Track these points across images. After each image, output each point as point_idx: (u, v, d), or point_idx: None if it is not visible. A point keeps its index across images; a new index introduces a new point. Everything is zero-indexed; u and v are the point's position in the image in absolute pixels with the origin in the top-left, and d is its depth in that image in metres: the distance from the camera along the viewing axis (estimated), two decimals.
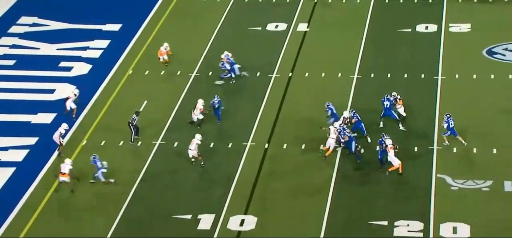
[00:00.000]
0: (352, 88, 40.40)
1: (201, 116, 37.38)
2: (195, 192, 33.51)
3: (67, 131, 36.41)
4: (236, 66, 41.19)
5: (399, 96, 37.32)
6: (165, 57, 42.48)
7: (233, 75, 41.06)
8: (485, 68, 41.67)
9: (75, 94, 38.90)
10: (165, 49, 42.58)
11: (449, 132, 35.35)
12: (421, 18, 46.88)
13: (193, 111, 37.48)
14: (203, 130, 37.19)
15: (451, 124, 35.28)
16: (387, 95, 37.11)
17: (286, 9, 48.52)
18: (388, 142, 33.87)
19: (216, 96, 38.04)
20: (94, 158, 33.78)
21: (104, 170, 33.63)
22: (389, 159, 33.82)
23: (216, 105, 37.73)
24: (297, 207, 32.44)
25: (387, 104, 36.93)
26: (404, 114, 37.24)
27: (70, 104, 38.56)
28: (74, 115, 38.42)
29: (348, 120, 36.05)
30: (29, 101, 40.36)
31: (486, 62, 42.32)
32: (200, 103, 37.55)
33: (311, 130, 36.77)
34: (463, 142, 35.34)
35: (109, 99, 40.33)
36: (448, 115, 35.48)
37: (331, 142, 34.93)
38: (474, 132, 36.35)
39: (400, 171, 33.73)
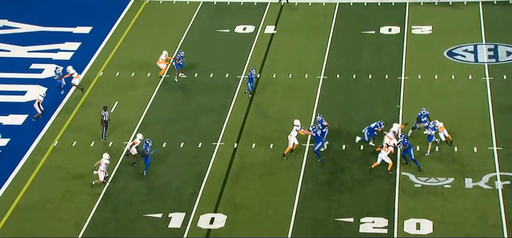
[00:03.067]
0: (319, 88, 40.63)
1: (135, 151, 34.89)
2: (166, 191, 33.45)
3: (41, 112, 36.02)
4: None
5: (441, 124, 35.40)
6: (163, 65, 41.67)
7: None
8: (446, 69, 42.17)
9: (42, 96, 38.46)
10: (166, 56, 41.99)
11: (432, 133, 34.98)
12: (384, 21, 47.30)
13: (129, 146, 35.20)
14: (173, 129, 37.14)
15: (432, 132, 34.80)
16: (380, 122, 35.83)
17: (253, 12, 48.65)
18: (386, 140, 33.87)
19: (148, 140, 34.41)
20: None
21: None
22: (382, 157, 33.72)
23: (148, 150, 34.04)
24: (265, 205, 32.53)
25: (373, 125, 35.72)
26: (445, 139, 35.50)
27: (38, 106, 38.12)
28: (40, 117, 37.94)
29: (397, 133, 35.21)
30: (0, 103, 39.95)
31: (447, 63, 42.83)
32: (138, 137, 34.96)
33: (279, 129, 36.90)
34: (428, 151, 35.09)
35: (80, 101, 40.08)
36: (434, 123, 34.98)
37: (383, 156, 34.04)
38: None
39: (389, 169, 33.76)
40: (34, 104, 38.28)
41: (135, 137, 35.18)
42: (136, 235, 31.11)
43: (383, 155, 33.87)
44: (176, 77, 41.17)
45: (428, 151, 35.17)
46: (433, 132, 35.08)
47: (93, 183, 33.49)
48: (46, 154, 35.90)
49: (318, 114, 36.40)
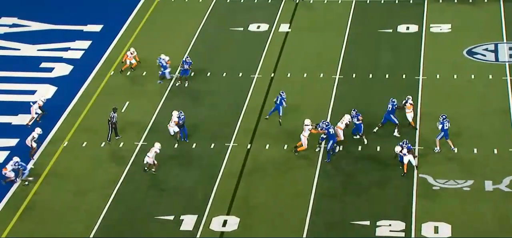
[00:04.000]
0: (334, 88, 40.47)
1: (176, 129, 36.53)
2: (178, 193, 33.41)
3: (40, 136, 35.93)
4: (167, 70, 41.09)
5: (411, 101, 36.88)
6: (133, 61, 41.97)
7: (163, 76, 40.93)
8: (465, 69, 41.89)
9: (43, 101, 38.50)
10: (132, 54, 42.18)
11: (442, 133, 35.17)
12: (402, 19, 47.06)
13: (169, 124, 36.69)
14: (187, 130, 37.07)
15: (446, 126, 35.11)
16: (391, 99, 36.65)
17: (268, 10, 48.54)
18: (397, 149, 33.69)
19: (180, 111, 36.81)
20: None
21: (26, 172, 33.89)
22: (408, 160, 33.67)
23: (181, 122, 36.51)
24: (279, 207, 32.43)
25: (389, 108, 36.55)
26: (411, 121, 36.70)
27: (36, 110, 38.03)
28: (38, 119, 37.94)
29: (348, 123, 35.75)
30: (9, 102, 40.09)
31: (467, 63, 42.54)
32: (175, 115, 36.54)
33: (293, 130, 36.77)
34: (452, 146, 35.22)
35: (90, 101, 40.13)
36: (444, 117, 35.37)
37: (302, 139, 34.71)
38: (455, 131, 36.47)
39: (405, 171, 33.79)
40: (31, 107, 38.02)
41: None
42: (147, 237, 31.06)
43: (410, 158, 33.53)
44: (179, 81, 40.80)
45: (437, 147, 35.04)
46: (440, 126, 34.90)
47: (147, 168, 34.03)
48: (55, 154, 35.94)
49: (353, 109, 36.09)
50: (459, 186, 33.28)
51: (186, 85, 40.73)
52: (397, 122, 36.62)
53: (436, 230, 31.04)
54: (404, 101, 37.00)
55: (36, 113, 38.12)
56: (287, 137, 36.53)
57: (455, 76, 41.25)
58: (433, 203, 32.38)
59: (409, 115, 36.86)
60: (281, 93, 37.68)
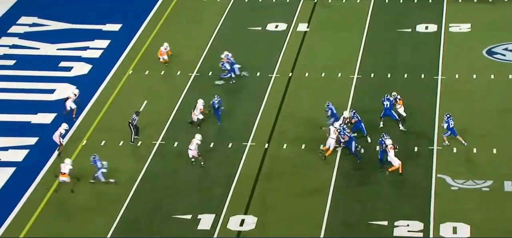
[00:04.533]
0: (352, 88, 40.40)
1: (201, 117, 37.38)
2: (195, 192, 33.49)
3: (67, 131, 36.34)
4: (236, 66, 41.17)
5: (399, 97, 37.33)
6: (165, 57, 42.46)
7: (233, 75, 41.04)
8: (485, 68, 41.65)
9: (75, 94, 38.90)
10: (165, 49, 42.56)
11: (449, 132, 35.33)
12: (421, 18, 46.86)
13: (193, 111, 37.49)
14: (203, 130, 37.18)
15: (451, 124, 35.26)
16: (387, 96, 37.13)
17: (286, 9, 48.52)
18: (388, 142, 33.85)
19: (216, 96, 38.02)
20: (94, 158, 33.72)
21: (104, 170, 33.58)
22: (389, 159, 33.82)
23: (216, 106, 37.74)
24: (297, 207, 32.42)
25: (387, 104, 36.93)
26: (404, 114, 37.23)
27: (70, 104, 38.56)
28: (74, 116, 38.41)
29: (348, 120, 36.04)
30: (29, 101, 40.35)
31: (486, 62, 42.30)
32: (200, 103, 37.56)
33: (311, 130, 36.76)
34: (463, 141, 35.33)
35: (109, 99, 40.31)
36: (448, 115, 35.48)
37: (331, 142, 34.93)
38: (474, 131, 36.33)
39: (400, 171, 33.71)
40: (65, 102, 38.50)
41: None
42: (166, 236, 31.15)
43: (391, 156, 33.45)
44: (220, 81, 40.81)
45: (445, 142, 35.05)
46: (446, 125, 34.94)
47: (197, 162, 34.41)
48: (74, 153, 36.12)
49: (352, 110, 36.15)
50: (478, 187, 33.11)
51: (232, 82, 40.79)
52: (397, 117, 36.68)
53: (454, 230, 30.90)
54: (392, 99, 36.94)
55: (70, 107, 38.38)
56: (304, 137, 36.49)
57: (474, 76, 41.03)
58: (452, 204, 32.23)
59: (401, 110, 36.94)
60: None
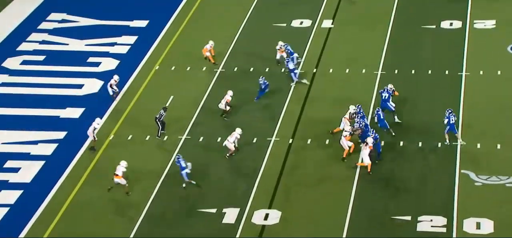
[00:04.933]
0: (376, 84, 40.23)
1: (227, 108, 37.22)
2: (220, 186, 33.57)
3: (100, 125, 36.44)
4: (295, 55, 41.07)
5: (394, 89, 37.22)
6: (208, 54, 42.17)
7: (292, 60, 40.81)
8: (510, 65, 41.26)
9: (116, 80, 39.49)
10: (211, 46, 42.36)
11: (449, 127, 34.99)
12: (445, 15, 46.54)
13: (221, 102, 37.47)
14: (228, 123, 37.24)
15: (452, 120, 34.90)
16: (386, 87, 37.06)
17: (311, 6, 48.42)
18: (370, 140, 33.58)
19: (262, 77, 38.54)
20: (178, 158, 33.18)
21: (188, 171, 32.98)
22: (362, 154, 33.53)
23: (263, 86, 38.24)
24: (320, 202, 32.39)
25: (385, 96, 36.76)
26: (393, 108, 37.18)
27: (111, 89, 39.16)
28: (115, 97, 39.20)
29: (353, 115, 35.80)
30: (58, 96, 40.65)
31: (511, 59, 41.91)
32: (229, 94, 37.52)
33: (335, 125, 36.67)
34: (460, 140, 34.91)
35: (136, 95, 40.52)
36: (450, 111, 35.18)
37: (364, 153, 34.06)
38: (498, 128, 36.04)
39: (369, 170, 33.50)
40: (107, 85, 39.40)
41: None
42: (190, 230, 31.31)
43: (364, 153, 33.44)
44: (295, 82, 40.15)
45: (447, 140, 34.85)
46: (446, 120, 34.75)
47: (228, 155, 34.63)
48: (102, 148, 36.34)
49: (357, 105, 35.98)
50: (501, 182, 32.85)
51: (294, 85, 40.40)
52: (393, 109, 36.64)
53: (478, 226, 30.70)
54: (391, 91, 37.00)
55: (113, 92, 39.00)
56: (328, 132, 36.41)
57: (499, 73, 40.69)
58: (475, 199, 32.02)
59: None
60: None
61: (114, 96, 39.43)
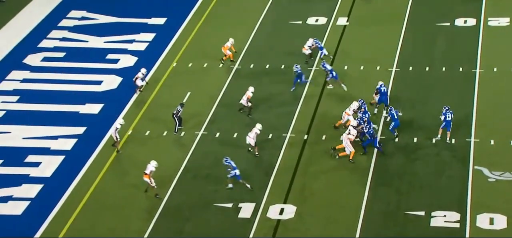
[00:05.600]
0: (391, 80, 40.03)
1: (247, 104, 37.09)
2: (236, 181, 33.50)
3: (122, 126, 36.35)
4: (324, 50, 41.36)
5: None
6: (229, 52, 42.03)
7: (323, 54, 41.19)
8: None
9: (143, 73, 39.72)
10: (231, 44, 42.19)
11: (444, 123, 34.75)
12: (460, 12, 46.24)
13: (243, 98, 37.40)
14: (244, 119, 37.19)
15: (448, 117, 34.71)
16: (382, 83, 37.16)
17: (326, 4, 48.25)
18: (354, 132, 33.65)
19: (296, 65, 39.01)
20: (226, 159, 32.81)
21: (237, 171, 32.48)
22: (344, 143, 33.75)
23: (299, 72, 38.79)
24: (335, 197, 32.28)
25: (384, 90, 36.76)
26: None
27: (139, 82, 39.37)
28: (142, 90, 39.39)
29: (357, 109, 35.60)
30: (77, 92, 40.75)
31: None
32: (250, 90, 37.44)
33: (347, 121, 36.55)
34: (448, 139, 34.70)
35: (154, 91, 40.54)
36: (447, 108, 35.03)
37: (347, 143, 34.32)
38: (511, 124, 35.80)
39: (351, 158, 33.78)
40: (135, 81, 39.72)
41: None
42: (207, 224, 31.29)
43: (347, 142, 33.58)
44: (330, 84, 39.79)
45: (439, 135, 34.74)
46: (442, 116, 34.61)
47: (253, 151, 34.33)
48: (120, 143, 36.38)
49: (360, 100, 35.86)
50: None
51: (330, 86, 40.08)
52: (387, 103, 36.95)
53: (491, 221, 30.48)
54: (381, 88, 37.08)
55: (140, 84, 39.31)
56: (344, 128, 36.26)
57: None
58: (489, 195, 31.79)
59: (377, 98, 37.19)
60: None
61: (141, 90, 39.52)
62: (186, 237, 30.87)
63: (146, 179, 32.51)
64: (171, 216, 31.84)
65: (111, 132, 35.74)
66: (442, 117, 34.88)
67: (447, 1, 47.76)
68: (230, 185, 32.64)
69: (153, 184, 32.43)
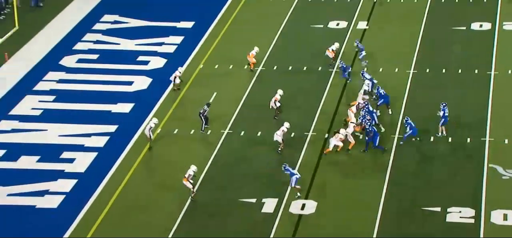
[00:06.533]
0: (408, 82, 39.86)
1: (275, 105, 37.00)
2: (260, 178, 33.53)
3: (156, 125, 36.41)
4: (364, 52, 41.23)
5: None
6: (253, 60, 41.78)
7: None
8: None
9: (180, 72, 39.92)
10: (256, 52, 41.95)
11: (443, 120, 34.54)
12: (475, 17, 45.95)
13: (272, 101, 37.25)
14: (267, 119, 37.19)
15: (446, 112, 34.50)
16: (379, 87, 37.18)
17: (346, 8, 48.15)
18: (343, 132, 33.70)
19: (341, 61, 39.57)
20: (284, 166, 32.31)
21: (298, 176, 31.97)
22: (334, 141, 33.74)
23: (344, 67, 39.03)
24: (354, 192, 32.19)
25: (383, 92, 36.63)
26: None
27: (176, 80, 39.66)
28: (179, 88, 39.72)
29: (362, 105, 35.53)
30: (109, 92, 40.99)
31: None
32: (278, 93, 37.28)
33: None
34: (442, 132, 34.69)
35: (182, 91, 40.68)
36: (444, 104, 34.87)
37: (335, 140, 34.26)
38: None
39: (326, 152, 33.95)
40: (174, 80, 40.01)
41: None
42: (232, 218, 31.31)
43: (334, 140, 33.69)
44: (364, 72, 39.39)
45: (439, 133, 34.46)
46: (441, 112, 34.46)
47: (280, 150, 34.34)
48: (152, 141, 36.49)
49: (364, 101, 35.73)
50: None
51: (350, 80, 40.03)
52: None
53: (505, 217, 30.23)
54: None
55: (178, 83, 39.66)
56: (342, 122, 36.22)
57: None
58: (503, 192, 31.56)
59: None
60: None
61: (179, 87, 39.80)
62: (211, 231, 30.93)
63: (184, 182, 32.35)
64: (197, 211, 31.90)
65: (146, 131, 35.82)
66: (441, 113, 34.64)
67: (463, 6, 47.49)
68: (299, 194, 31.94)
69: (191, 186, 32.30)
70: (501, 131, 35.06)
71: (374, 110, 35.85)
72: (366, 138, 34.37)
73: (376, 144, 34.21)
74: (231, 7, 49.67)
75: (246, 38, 45.14)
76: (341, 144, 34.01)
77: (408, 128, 34.86)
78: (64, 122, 38.28)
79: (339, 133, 34.16)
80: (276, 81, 40.42)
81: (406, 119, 35.27)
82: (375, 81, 38.38)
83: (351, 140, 34.19)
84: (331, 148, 34.16)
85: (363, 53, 41.33)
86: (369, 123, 34.45)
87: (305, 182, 32.93)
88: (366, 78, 38.50)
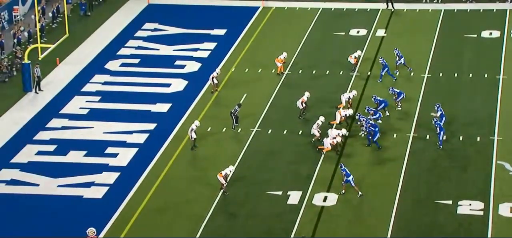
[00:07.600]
0: (423, 85, 39.65)
1: (303, 105, 36.96)
2: (286, 172, 33.58)
3: (197, 127, 36.07)
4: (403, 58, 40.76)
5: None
6: (280, 64, 41.70)
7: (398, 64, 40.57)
8: None
9: (218, 73, 40.05)
10: (285, 57, 41.85)
11: (444, 118, 34.18)
12: (486, 26, 45.59)
13: (298, 101, 37.17)
14: (292, 119, 37.20)
15: (442, 111, 34.48)
16: (391, 87, 37.09)
17: (366, 17, 48.02)
18: (335, 132, 33.59)
19: (381, 57, 39.50)
20: (341, 166, 32.12)
21: (351, 177, 31.44)
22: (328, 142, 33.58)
23: (384, 64, 39.01)
24: (373, 185, 32.11)
25: (380, 99, 36.42)
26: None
27: (214, 81, 39.79)
28: (218, 89, 39.72)
29: (351, 100, 35.81)
30: (149, 93, 41.29)
31: None
32: (305, 95, 37.17)
33: (384, 119, 36.30)
34: (433, 114, 34.64)
35: (215, 92, 40.87)
36: (438, 105, 34.84)
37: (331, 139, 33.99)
38: None
39: (322, 150, 33.62)
40: (212, 79, 40.04)
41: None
42: (260, 209, 31.40)
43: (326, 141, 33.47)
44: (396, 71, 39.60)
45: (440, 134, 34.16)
46: (439, 112, 34.22)
47: (320, 149, 34.16)
48: (185, 138, 36.76)
49: (373, 96, 35.68)
50: None
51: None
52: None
53: None
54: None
55: (215, 84, 39.85)
56: (380, 127, 36.00)
57: None
58: (510, 187, 31.28)
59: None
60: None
61: (216, 88, 39.80)
62: (241, 220, 31.06)
63: (219, 178, 32.22)
64: (228, 202, 32.05)
65: (188, 132, 35.77)
66: (439, 114, 34.31)
67: (474, 16, 47.15)
68: (343, 191, 31.67)
69: (224, 182, 32.28)
70: (508, 130, 34.73)
71: (380, 113, 35.74)
72: (369, 137, 34.19)
73: (375, 140, 33.99)
74: (260, 16, 49.80)
75: (273, 45, 45.23)
76: (329, 148, 33.71)
77: (438, 129, 34.21)
78: (109, 120, 38.67)
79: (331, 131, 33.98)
80: (301, 85, 40.44)
81: (434, 120, 34.68)
82: (403, 95, 37.38)
83: (334, 142, 33.63)
84: (326, 146, 33.88)
85: (402, 61, 40.52)
86: (368, 126, 34.27)
87: (327, 176, 32.92)
88: (396, 92, 37.59)
